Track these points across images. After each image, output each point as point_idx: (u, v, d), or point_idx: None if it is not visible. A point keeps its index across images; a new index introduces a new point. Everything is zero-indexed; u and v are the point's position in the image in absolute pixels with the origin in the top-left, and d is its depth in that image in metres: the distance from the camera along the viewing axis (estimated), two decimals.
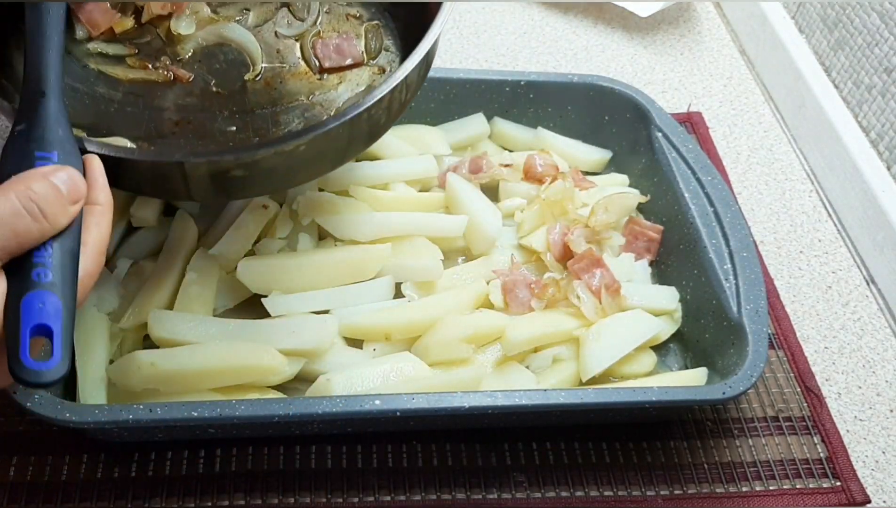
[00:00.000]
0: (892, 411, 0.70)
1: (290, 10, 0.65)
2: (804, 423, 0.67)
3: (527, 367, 0.64)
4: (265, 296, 0.63)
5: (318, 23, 0.64)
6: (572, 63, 1.00)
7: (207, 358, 0.58)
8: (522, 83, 0.78)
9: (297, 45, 0.63)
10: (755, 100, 0.98)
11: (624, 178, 0.79)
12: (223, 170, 0.50)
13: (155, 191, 0.55)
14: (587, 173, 0.79)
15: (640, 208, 0.75)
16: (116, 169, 0.48)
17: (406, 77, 0.52)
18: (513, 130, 0.80)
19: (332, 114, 0.58)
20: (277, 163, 0.51)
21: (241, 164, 0.50)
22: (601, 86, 0.77)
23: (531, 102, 0.79)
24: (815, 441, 0.66)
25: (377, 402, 0.54)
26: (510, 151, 0.79)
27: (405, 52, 0.53)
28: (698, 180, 0.70)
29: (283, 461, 0.61)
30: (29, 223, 0.39)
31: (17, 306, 0.38)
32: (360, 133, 0.54)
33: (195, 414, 0.52)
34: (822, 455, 0.65)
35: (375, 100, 0.51)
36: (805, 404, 0.68)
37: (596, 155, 0.80)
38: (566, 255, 0.69)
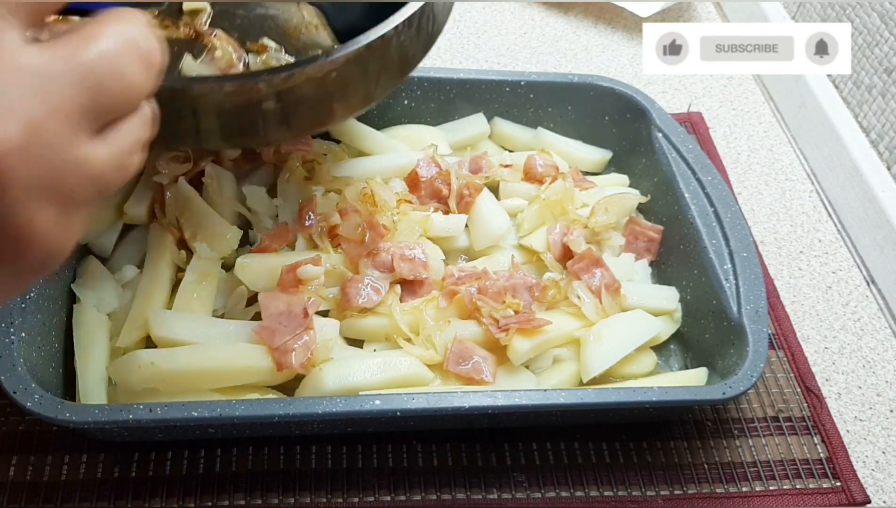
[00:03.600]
0: (892, 411, 0.70)
1: None
2: (804, 423, 0.67)
3: (527, 367, 0.64)
4: None
5: None
6: (572, 63, 1.00)
7: (207, 358, 0.57)
8: (522, 83, 0.78)
9: None
10: (755, 100, 0.98)
11: (624, 178, 0.79)
12: (254, 102, 0.48)
13: (177, 132, 0.51)
14: (587, 173, 0.79)
15: (640, 208, 0.75)
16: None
17: None
18: (513, 130, 0.80)
19: None
20: (309, 94, 0.49)
21: (272, 92, 0.48)
22: (601, 86, 0.77)
23: (531, 102, 0.79)
24: (815, 442, 0.66)
25: (377, 402, 0.54)
26: (510, 151, 0.79)
27: None
28: (698, 180, 0.70)
29: (283, 461, 0.61)
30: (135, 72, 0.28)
31: None
32: (391, 60, 0.53)
33: (195, 414, 0.52)
34: (822, 455, 0.65)
35: (404, 19, 0.50)
36: (805, 404, 0.68)
37: (596, 155, 0.80)
38: (566, 255, 0.69)
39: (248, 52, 0.58)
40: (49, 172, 0.26)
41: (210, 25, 0.59)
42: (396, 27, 0.50)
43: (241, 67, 0.57)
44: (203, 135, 0.51)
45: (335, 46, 0.55)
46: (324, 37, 0.60)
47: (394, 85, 0.56)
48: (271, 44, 0.58)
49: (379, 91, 0.55)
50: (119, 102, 0.28)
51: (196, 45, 0.58)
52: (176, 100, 0.47)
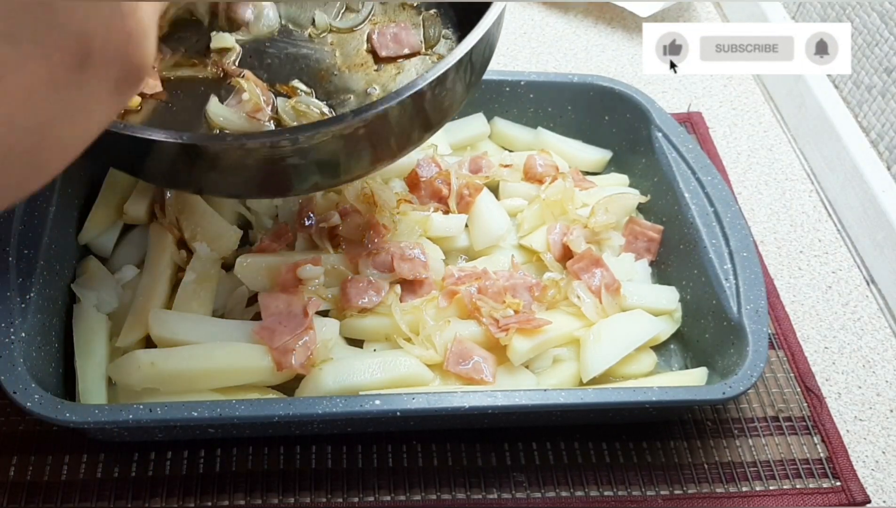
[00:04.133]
0: (892, 411, 0.70)
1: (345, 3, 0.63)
2: (804, 423, 0.67)
3: (527, 367, 0.64)
4: None
5: (372, 13, 0.62)
6: (572, 63, 1.00)
7: (207, 358, 0.58)
8: (522, 83, 0.78)
9: (352, 36, 0.61)
10: (755, 100, 0.98)
11: (624, 178, 0.79)
12: (279, 157, 0.47)
13: (209, 186, 0.53)
14: (587, 173, 0.79)
15: (640, 208, 0.75)
16: (168, 161, 0.46)
17: (471, 52, 0.49)
18: (513, 130, 0.80)
19: None
20: (337, 149, 0.48)
21: (297, 149, 0.47)
22: (601, 86, 0.77)
23: (531, 102, 0.79)
24: (815, 441, 0.66)
25: (377, 402, 0.54)
26: (510, 151, 0.79)
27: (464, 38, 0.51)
28: (698, 180, 0.70)
29: (283, 461, 0.61)
30: None
31: None
32: (423, 114, 0.51)
33: (195, 414, 0.52)
34: (822, 455, 0.65)
35: (438, 75, 0.48)
36: (805, 404, 0.68)
37: (596, 155, 0.80)
38: (566, 255, 0.69)
39: (276, 94, 0.56)
40: None
41: (239, 64, 0.58)
42: (431, 83, 0.48)
43: (268, 111, 0.56)
44: (229, 187, 0.52)
45: (367, 90, 0.55)
46: (358, 78, 0.58)
47: (427, 135, 0.55)
48: (301, 87, 0.57)
49: (412, 144, 0.54)
50: None
51: (223, 84, 0.57)
52: (197, 155, 0.47)
